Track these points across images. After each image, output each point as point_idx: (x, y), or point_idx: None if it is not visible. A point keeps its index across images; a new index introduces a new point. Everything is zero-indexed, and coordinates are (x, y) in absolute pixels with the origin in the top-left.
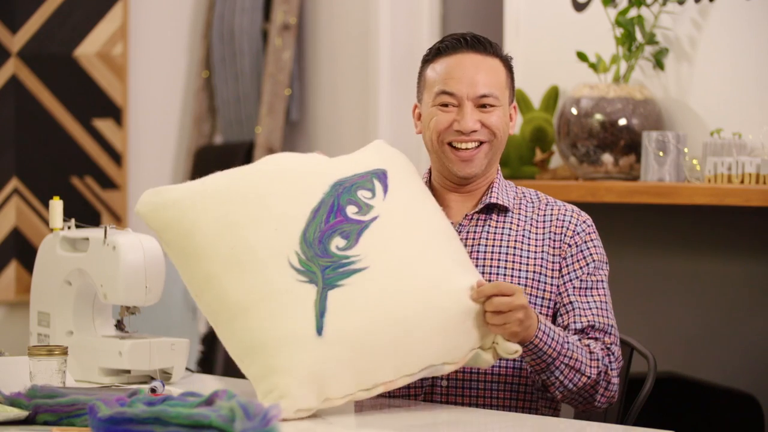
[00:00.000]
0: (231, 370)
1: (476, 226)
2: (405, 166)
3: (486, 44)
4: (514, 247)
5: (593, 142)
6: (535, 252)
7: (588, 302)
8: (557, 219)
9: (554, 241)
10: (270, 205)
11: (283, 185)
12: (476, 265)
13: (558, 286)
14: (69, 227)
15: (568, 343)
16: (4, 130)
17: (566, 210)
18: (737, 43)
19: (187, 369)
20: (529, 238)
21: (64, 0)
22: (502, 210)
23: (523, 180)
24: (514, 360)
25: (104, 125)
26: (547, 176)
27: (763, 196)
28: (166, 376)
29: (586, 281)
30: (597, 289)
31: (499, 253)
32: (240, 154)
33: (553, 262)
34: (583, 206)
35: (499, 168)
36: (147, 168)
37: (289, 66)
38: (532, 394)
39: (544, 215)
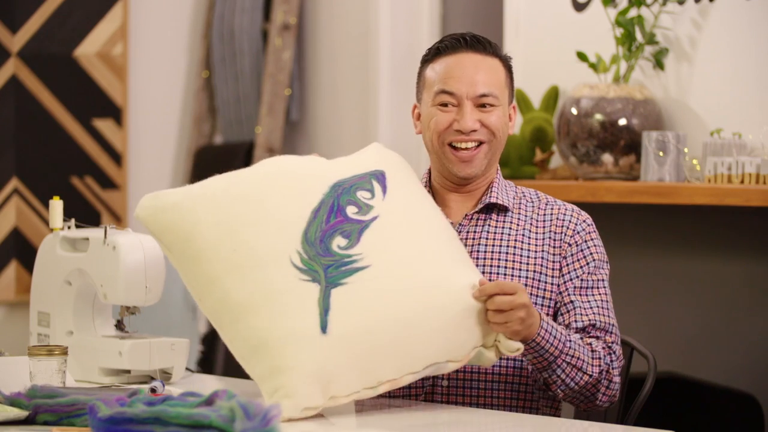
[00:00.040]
0: (231, 370)
1: (476, 226)
2: (403, 168)
3: (485, 44)
4: (514, 247)
5: (593, 142)
6: (535, 252)
7: (589, 301)
8: (557, 218)
9: (554, 240)
10: (270, 206)
11: (282, 187)
12: (476, 265)
13: (558, 286)
14: (69, 227)
15: (570, 341)
16: (4, 130)
17: (566, 209)
18: (737, 43)
19: (187, 369)
20: (529, 238)
21: (64, 0)
22: (502, 210)
23: (523, 180)
24: (515, 360)
25: (104, 125)
26: (547, 176)
27: (763, 196)
28: (166, 376)
29: (587, 281)
30: (598, 288)
31: (499, 252)
32: (240, 154)
33: (553, 262)
34: (583, 206)
35: (499, 168)
36: (147, 168)
37: (289, 66)
38: (532, 394)
39: (544, 215)
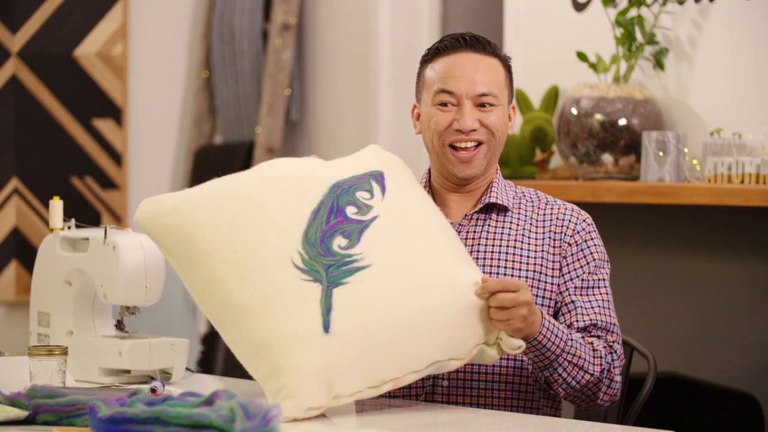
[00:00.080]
0: (231, 370)
1: (476, 226)
2: (401, 169)
3: (485, 44)
4: (514, 247)
5: (593, 142)
6: (535, 251)
7: (590, 301)
8: (557, 218)
9: (554, 240)
10: (270, 207)
11: (281, 188)
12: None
13: (558, 286)
14: (69, 227)
15: (571, 340)
16: (4, 130)
17: (566, 209)
18: (737, 43)
19: (187, 369)
20: (529, 238)
21: (64, 0)
22: (502, 210)
23: (523, 180)
24: (515, 360)
25: (104, 125)
26: (547, 176)
27: (763, 196)
28: (166, 376)
29: (587, 280)
30: (598, 288)
31: (499, 252)
32: (240, 154)
33: (553, 262)
34: (583, 206)
35: (499, 168)
36: (147, 168)
37: (289, 66)
38: (533, 394)
39: (544, 214)
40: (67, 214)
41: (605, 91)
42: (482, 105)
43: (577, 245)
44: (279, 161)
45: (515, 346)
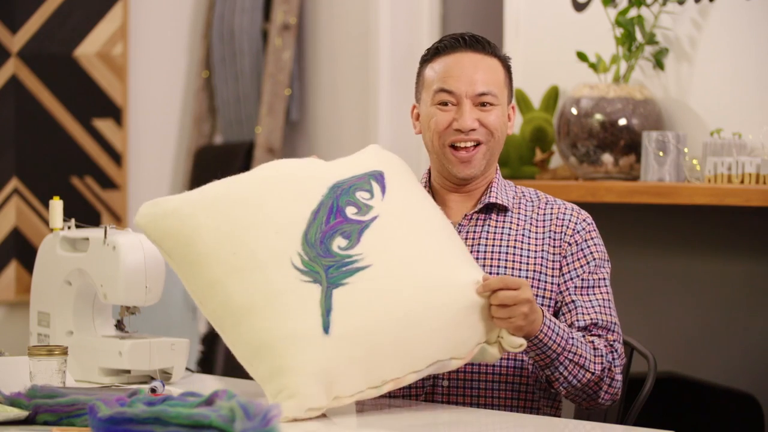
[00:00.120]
0: (231, 370)
1: (476, 226)
2: (401, 168)
3: (484, 44)
4: (514, 247)
5: (593, 142)
6: (536, 251)
7: (590, 300)
8: (557, 218)
9: (554, 240)
10: (269, 209)
11: (281, 189)
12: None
13: (558, 285)
14: (69, 227)
15: (572, 338)
16: (4, 130)
17: (566, 208)
18: (737, 43)
19: (187, 369)
20: (529, 238)
21: (64, 0)
22: (502, 209)
23: (523, 180)
24: (516, 360)
25: (104, 125)
26: (547, 176)
27: (763, 196)
28: (166, 376)
29: (588, 280)
30: (599, 287)
31: (499, 252)
32: (240, 154)
33: (553, 261)
34: (583, 206)
35: (498, 168)
36: (147, 168)
37: (289, 66)
38: (533, 394)
39: (544, 214)
40: (67, 214)
41: (605, 91)
42: (482, 104)
43: (577, 245)
44: (279, 162)
45: (516, 344)
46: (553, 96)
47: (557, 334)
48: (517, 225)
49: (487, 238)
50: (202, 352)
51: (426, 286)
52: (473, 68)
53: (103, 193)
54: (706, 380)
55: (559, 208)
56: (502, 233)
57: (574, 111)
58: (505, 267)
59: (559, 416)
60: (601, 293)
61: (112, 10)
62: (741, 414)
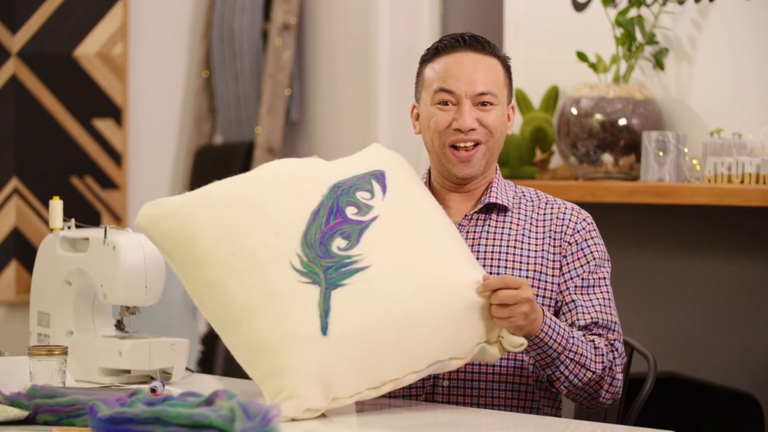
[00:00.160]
0: (231, 370)
1: (476, 226)
2: (403, 167)
3: (484, 44)
4: (514, 247)
5: (593, 142)
6: (536, 251)
7: (591, 300)
8: (557, 218)
9: (554, 239)
10: (269, 209)
11: (282, 190)
12: None
13: (559, 285)
14: (69, 227)
15: (573, 338)
16: (4, 130)
17: (566, 208)
18: (737, 43)
19: (187, 369)
20: (529, 237)
21: (64, 0)
22: (502, 209)
23: (523, 180)
24: (516, 360)
25: (104, 125)
26: (547, 176)
27: (763, 196)
28: (166, 376)
29: (588, 279)
30: (599, 286)
31: (500, 252)
32: (240, 154)
33: (553, 261)
34: (583, 206)
35: (498, 167)
36: (147, 168)
37: (289, 66)
38: (533, 394)
39: (544, 214)
40: (67, 214)
41: (605, 91)
42: (482, 104)
43: (577, 244)
44: (280, 162)
45: (517, 343)
46: (553, 96)
47: (558, 334)
48: (517, 225)
49: (487, 238)
50: (202, 352)
51: (426, 286)
52: (473, 68)
53: (103, 193)
54: (706, 380)
55: (559, 208)
56: (502, 233)
57: (574, 111)
58: (506, 267)
59: (560, 416)
60: (601, 292)
61: (112, 10)
62: (741, 414)
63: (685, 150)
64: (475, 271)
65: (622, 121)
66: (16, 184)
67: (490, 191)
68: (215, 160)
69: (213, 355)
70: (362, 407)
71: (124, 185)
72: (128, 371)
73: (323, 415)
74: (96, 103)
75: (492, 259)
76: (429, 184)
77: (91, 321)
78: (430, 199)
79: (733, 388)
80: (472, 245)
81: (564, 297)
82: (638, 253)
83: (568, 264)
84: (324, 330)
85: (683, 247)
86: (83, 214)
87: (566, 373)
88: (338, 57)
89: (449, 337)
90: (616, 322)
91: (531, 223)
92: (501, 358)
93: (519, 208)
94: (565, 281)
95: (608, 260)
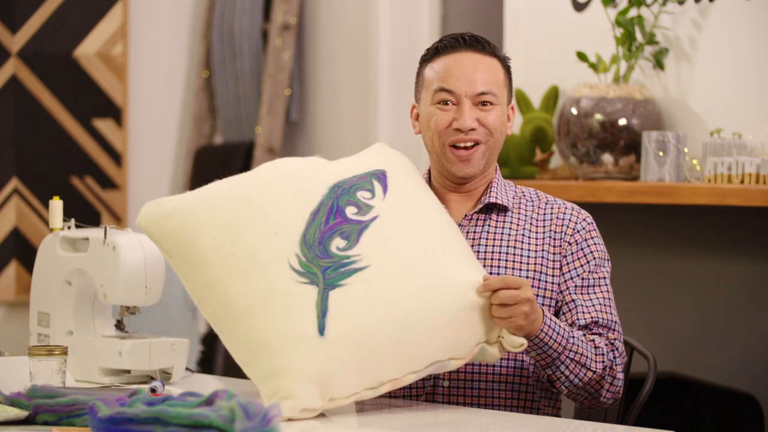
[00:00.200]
0: (231, 370)
1: (476, 226)
2: (405, 167)
3: (484, 44)
4: (515, 247)
5: (593, 142)
6: (536, 251)
7: (591, 299)
8: (557, 218)
9: (554, 239)
10: (269, 209)
11: (282, 189)
12: None
13: (559, 285)
14: (69, 227)
15: (573, 338)
16: (4, 130)
17: (566, 208)
18: (737, 43)
19: (187, 369)
20: (529, 238)
21: (64, 0)
22: (502, 209)
23: (523, 180)
24: (516, 360)
25: (104, 125)
26: (547, 176)
27: (763, 196)
28: (166, 376)
29: (588, 279)
30: (599, 286)
31: (500, 252)
32: (240, 154)
33: (553, 261)
34: (583, 206)
35: (498, 167)
36: (147, 168)
37: (289, 66)
38: (533, 394)
39: (544, 214)
40: (67, 214)
41: (605, 91)
42: (482, 104)
43: (577, 244)
44: (281, 161)
45: (517, 344)
46: (553, 96)
47: (558, 334)
48: (517, 225)
49: (487, 239)
50: (202, 352)
51: (425, 286)
52: (473, 68)
53: (103, 193)
54: (706, 380)
55: (559, 208)
56: (502, 233)
57: (574, 111)
58: (506, 267)
59: (560, 416)
60: (601, 292)
61: (112, 10)
62: (741, 414)
63: (685, 150)
64: (476, 272)
65: (622, 121)
66: (16, 184)
67: (490, 191)
68: (215, 160)
69: (213, 355)
70: (362, 407)
71: (124, 185)
72: (128, 371)
73: (323, 415)
74: (96, 103)
75: (492, 259)
76: (429, 184)
77: (91, 321)
78: (432, 199)
79: (733, 388)
80: (472, 245)
81: (564, 297)
82: (638, 253)
83: (568, 264)
84: (321, 330)
85: (683, 247)
86: (83, 214)
87: (567, 373)
88: (338, 57)
89: (449, 338)
90: (616, 322)
91: (531, 223)
92: (501, 359)
93: (519, 208)
94: (565, 281)
95: (608, 260)
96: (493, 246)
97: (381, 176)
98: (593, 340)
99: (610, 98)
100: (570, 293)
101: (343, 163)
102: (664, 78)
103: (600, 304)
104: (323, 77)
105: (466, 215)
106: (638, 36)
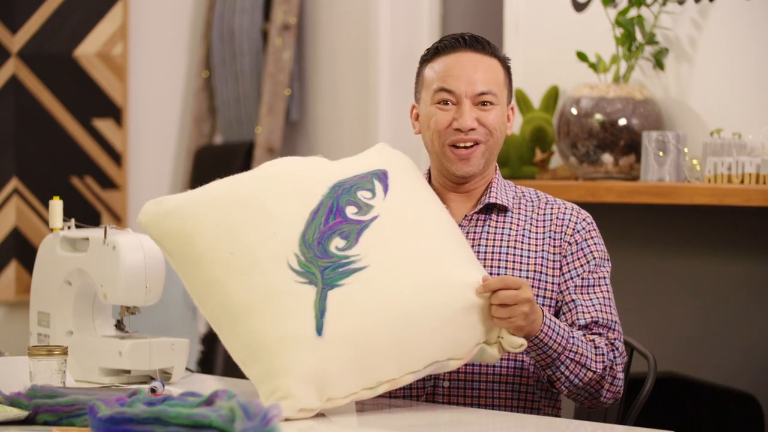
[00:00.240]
0: (231, 370)
1: (476, 226)
2: (407, 167)
3: (484, 44)
4: (515, 247)
5: (593, 142)
6: (536, 251)
7: (591, 299)
8: (557, 218)
9: (554, 239)
10: (269, 208)
11: (282, 189)
12: None
13: (559, 285)
14: (69, 227)
15: (573, 338)
16: (4, 130)
17: (566, 208)
18: (737, 43)
19: (187, 369)
20: (529, 238)
21: (64, 0)
22: (502, 210)
23: (523, 180)
24: (516, 360)
25: (104, 125)
26: (547, 176)
27: (763, 196)
28: (166, 376)
29: (588, 279)
30: (599, 286)
31: (500, 253)
32: (240, 154)
33: (553, 261)
34: (583, 206)
35: (498, 167)
36: (147, 168)
37: (289, 66)
38: (533, 394)
39: (544, 214)
40: (67, 214)
41: (605, 91)
42: (482, 104)
43: (577, 244)
44: (282, 161)
45: (517, 344)
46: (553, 96)
47: (557, 334)
48: (517, 225)
49: (487, 239)
50: (202, 352)
51: (425, 286)
52: (473, 68)
53: (103, 193)
54: (706, 380)
55: (559, 208)
56: (502, 233)
57: (574, 111)
58: (506, 267)
59: (560, 416)
60: (601, 292)
61: (112, 10)
62: (741, 414)
63: (685, 150)
64: (475, 272)
65: (622, 121)
66: (16, 184)
67: (490, 191)
68: (215, 160)
69: (213, 355)
70: (362, 407)
71: (124, 185)
72: (128, 371)
73: (322, 415)
74: (96, 103)
75: (492, 259)
76: (429, 184)
77: (91, 321)
78: (434, 199)
79: (733, 388)
80: (472, 245)
81: (564, 297)
82: (638, 253)
83: (568, 264)
84: (319, 330)
85: (683, 247)
86: (83, 214)
87: (567, 373)
88: (338, 57)
89: (448, 338)
90: (616, 322)
91: (531, 224)
92: (501, 359)
93: (519, 208)
94: (565, 281)
95: (608, 260)
96: (493, 246)
97: (382, 176)
98: (593, 340)
99: (610, 98)
100: (570, 293)
101: (345, 162)
102: (664, 78)
103: (600, 303)
104: (323, 77)
105: (466, 215)
106: (638, 36)
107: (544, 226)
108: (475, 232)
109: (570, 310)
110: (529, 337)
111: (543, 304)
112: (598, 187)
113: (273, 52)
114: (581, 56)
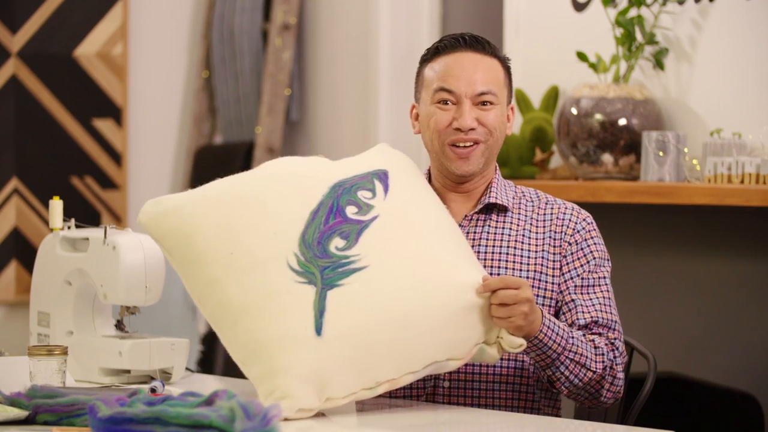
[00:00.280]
0: (231, 370)
1: (476, 226)
2: (408, 167)
3: (484, 44)
4: (515, 247)
5: (593, 142)
6: (536, 251)
7: (591, 299)
8: (557, 218)
9: (554, 239)
10: (269, 208)
11: (282, 188)
12: None
13: (559, 285)
14: (69, 227)
15: (572, 338)
16: (4, 130)
17: (566, 208)
18: (737, 43)
19: (187, 369)
20: (529, 238)
21: (64, 0)
22: (502, 210)
23: (523, 180)
24: (516, 360)
25: (104, 125)
26: (547, 176)
27: (763, 196)
28: (166, 376)
29: (588, 279)
30: (599, 286)
31: (500, 253)
32: (240, 154)
33: (553, 261)
34: (583, 206)
35: (498, 167)
36: (147, 168)
37: (289, 66)
38: (534, 394)
39: (544, 214)
40: (67, 214)
41: (605, 91)
42: (482, 104)
43: (577, 244)
44: (283, 160)
45: (516, 344)
46: (553, 96)
47: (557, 334)
48: (518, 225)
49: (487, 239)
50: (202, 352)
51: (424, 286)
52: (473, 68)
53: (103, 193)
54: (706, 380)
55: (559, 208)
56: (502, 233)
57: (574, 111)
58: (506, 267)
59: (560, 416)
60: (601, 291)
61: (112, 10)
62: (741, 414)
63: (685, 150)
64: (475, 272)
65: (622, 121)
66: (16, 184)
67: (490, 191)
68: (215, 160)
69: (213, 355)
70: (362, 407)
71: (124, 185)
72: (128, 371)
73: (322, 415)
74: (96, 103)
75: (492, 259)
76: (429, 183)
77: (91, 321)
78: (434, 199)
79: (733, 388)
80: (472, 245)
81: (564, 297)
82: (638, 253)
83: (568, 264)
84: (318, 330)
85: (683, 247)
86: (83, 214)
87: (566, 373)
88: (338, 57)
89: (447, 338)
90: (616, 321)
91: (531, 224)
92: (501, 359)
93: (519, 208)
94: (565, 281)
95: (608, 260)
96: (493, 246)
97: (382, 176)
98: (593, 340)
99: (610, 98)
100: (570, 293)
101: (345, 162)
102: (664, 78)
103: (600, 303)
104: (323, 77)
105: (466, 215)
106: (638, 36)
107: (544, 226)
108: (475, 232)
109: (570, 310)
110: (529, 337)
111: (543, 304)
112: (598, 187)
113: (273, 52)
114: (581, 56)
